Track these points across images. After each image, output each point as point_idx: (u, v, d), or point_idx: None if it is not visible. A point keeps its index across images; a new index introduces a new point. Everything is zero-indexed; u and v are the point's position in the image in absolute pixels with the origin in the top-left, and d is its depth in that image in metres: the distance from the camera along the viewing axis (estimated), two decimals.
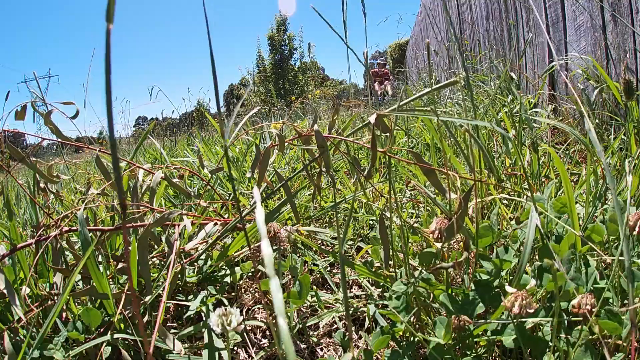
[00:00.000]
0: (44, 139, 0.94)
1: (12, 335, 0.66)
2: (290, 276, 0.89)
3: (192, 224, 0.89)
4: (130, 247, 0.72)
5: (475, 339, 0.56)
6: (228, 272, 0.88)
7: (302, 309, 0.83)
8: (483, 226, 0.64)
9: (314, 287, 0.90)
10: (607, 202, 0.77)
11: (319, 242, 1.08)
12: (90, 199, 0.89)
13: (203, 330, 0.70)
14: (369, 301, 0.79)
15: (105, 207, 0.99)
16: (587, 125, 0.49)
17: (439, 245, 0.62)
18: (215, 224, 0.90)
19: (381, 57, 9.78)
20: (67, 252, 0.79)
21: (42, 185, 0.90)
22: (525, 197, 0.83)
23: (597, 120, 1.50)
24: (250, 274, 0.92)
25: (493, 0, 2.86)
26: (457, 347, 0.56)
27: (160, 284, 0.79)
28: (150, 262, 0.84)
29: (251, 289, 0.90)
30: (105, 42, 0.19)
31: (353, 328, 0.76)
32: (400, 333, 0.63)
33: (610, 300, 0.53)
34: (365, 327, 0.75)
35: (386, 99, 6.01)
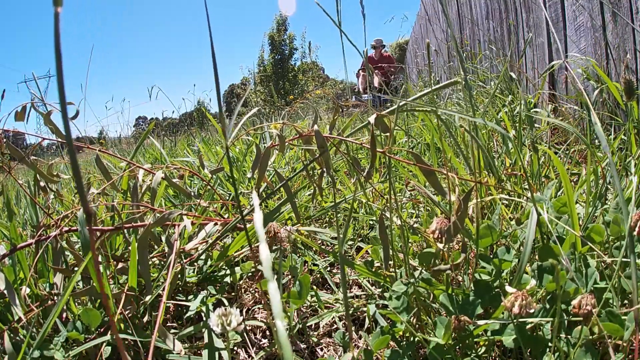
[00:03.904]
0: (44, 139, 0.94)
1: (12, 335, 0.66)
2: (290, 276, 0.89)
3: (192, 224, 0.89)
4: (130, 247, 0.72)
5: (475, 339, 0.56)
6: (228, 272, 0.88)
7: (302, 309, 0.83)
8: (483, 227, 0.64)
9: (314, 287, 0.90)
10: (607, 202, 0.77)
11: (319, 242, 1.08)
12: (90, 199, 0.88)
13: (203, 330, 0.70)
14: (369, 301, 0.79)
15: (105, 207, 0.99)
16: (594, 118, 0.49)
17: (440, 245, 0.62)
18: (215, 224, 0.90)
19: (377, 40, 7.93)
20: (67, 252, 0.79)
21: (42, 184, 0.90)
22: (525, 197, 0.82)
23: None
24: (250, 274, 0.92)
25: (493, 0, 2.86)
26: (457, 347, 0.56)
27: (160, 284, 0.79)
28: (150, 262, 0.84)
29: (251, 289, 0.90)
30: (54, 28, 0.19)
31: (353, 328, 0.76)
32: (400, 333, 0.63)
33: (611, 301, 0.53)
34: (365, 327, 0.75)
35: (374, 96, 5.48)
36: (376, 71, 7.10)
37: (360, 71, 7.69)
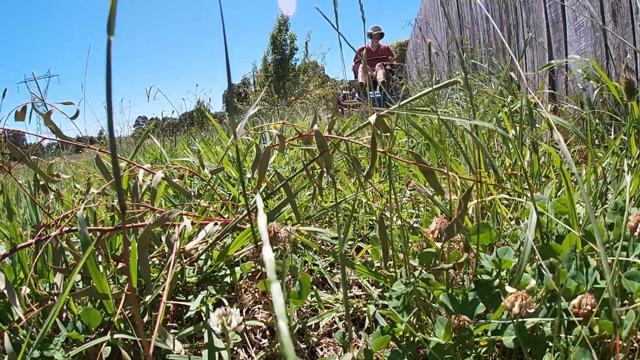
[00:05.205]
0: (44, 139, 0.94)
1: (12, 335, 0.66)
2: (290, 276, 0.89)
3: (192, 224, 0.89)
4: (130, 248, 0.72)
5: (475, 339, 0.56)
6: (228, 272, 0.88)
7: (302, 309, 0.83)
8: (483, 225, 0.64)
9: (314, 287, 0.90)
10: (607, 202, 0.77)
11: (319, 242, 1.08)
12: (90, 199, 0.89)
13: (203, 330, 0.70)
14: (369, 301, 0.79)
15: (105, 207, 0.99)
16: (556, 136, 0.49)
17: (439, 245, 0.62)
18: (216, 224, 0.90)
19: (374, 27, 6.86)
20: (67, 252, 0.79)
21: (41, 183, 0.90)
22: (525, 197, 0.83)
23: (597, 120, 1.50)
24: (250, 274, 0.92)
25: (493, 0, 2.86)
26: (457, 347, 0.56)
27: (160, 284, 0.79)
28: (150, 262, 0.84)
29: (251, 289, 0.90)
30: (106, 54, 0.19)
31: (353, 328, 0.76)
32: (400, 333, 0.63)
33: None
34: (365, 327, 0.75)
35: (376, 93, 5.24)
36: (379, 64, 6.41)
37: (357, 65, 7.02)
